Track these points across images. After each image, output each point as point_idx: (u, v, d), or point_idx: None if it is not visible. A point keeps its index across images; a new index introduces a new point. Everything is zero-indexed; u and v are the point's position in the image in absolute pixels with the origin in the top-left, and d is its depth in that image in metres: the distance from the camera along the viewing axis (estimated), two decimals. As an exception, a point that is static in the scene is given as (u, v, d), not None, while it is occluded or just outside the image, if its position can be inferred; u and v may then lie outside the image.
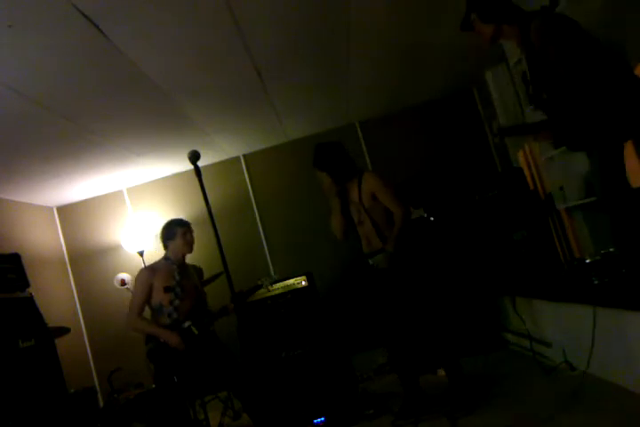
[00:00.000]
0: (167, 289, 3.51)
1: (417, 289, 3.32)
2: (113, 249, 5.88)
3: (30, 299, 3.65)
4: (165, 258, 3.67)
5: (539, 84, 2.69)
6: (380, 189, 3.29)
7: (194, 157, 2.49)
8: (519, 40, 2.70)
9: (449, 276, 4.45)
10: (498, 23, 2.68)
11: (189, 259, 3.78)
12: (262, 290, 3.89)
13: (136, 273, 3.70)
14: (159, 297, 3.52)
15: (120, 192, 6.00)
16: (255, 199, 5.92)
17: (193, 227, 3.78)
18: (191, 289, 3.63)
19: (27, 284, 3.71)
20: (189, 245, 3.69)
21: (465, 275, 4.47)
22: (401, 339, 3.37)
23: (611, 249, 3.13)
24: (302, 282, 3.98)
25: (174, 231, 3.66)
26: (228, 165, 5.98)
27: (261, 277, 3.85)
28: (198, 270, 3.94)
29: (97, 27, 2.76)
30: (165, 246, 3.69)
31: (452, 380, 3.29)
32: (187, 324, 3.47)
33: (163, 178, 5.99)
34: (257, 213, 5.89)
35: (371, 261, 3.31)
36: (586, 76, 2.39)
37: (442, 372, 4.06)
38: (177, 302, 3.50)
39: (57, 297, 5.50)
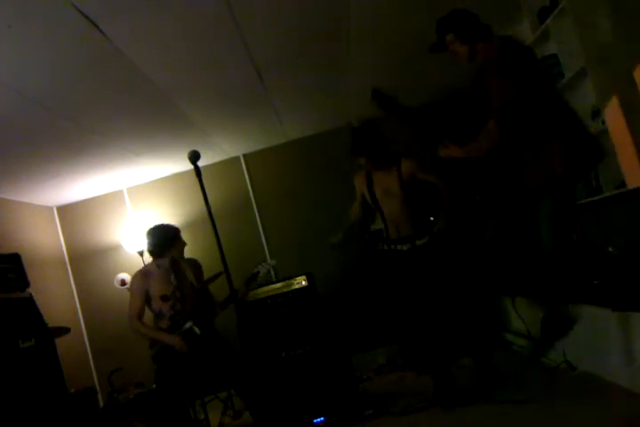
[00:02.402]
0: (164, 298, 3.48)
1: (456, 272, 3.43)
2: (113, 249, 5.87)
3: (30, 299, 3.65)
4: (157, 264, 3.62)
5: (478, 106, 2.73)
6: (420, 169, 3.52)
7: (194, 157, 2.49)
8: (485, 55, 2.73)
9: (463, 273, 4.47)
10: (474, 42, 2.73)
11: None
12: (262, 289, 3.89)
13: (131, 279, 3.67)
14: (158, 304, 3.51)
15: (120, 192, 6.00)
16: (255, 199, 5.92)
17: (193, 227, 3.77)
18: (189, 289, 3.62)
19: (27, 284, 3.71)
20: (181, 253, 3.69)
21: (465, 275, 4.46)
22: (427, 327, 3.41)
23: (610, 249, 3.13)
24: (302, 282, 3.98)
25: (171, 239, 3.62)
26: (228, 165, 5.98)
27: (258, 264, 3.84)
28: (193, 263, 3.89)
29: (97, 27, 2.76)
30: (158, 254, 3.61)
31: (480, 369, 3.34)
32: (188, 324, 3.47)
33: (163, 178, 5.98)
34: (257, 213, 5.89)
35: (403, 247, 3.43)
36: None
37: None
38: (178, 305, 3.50)
39: (57, 297, 5.50)
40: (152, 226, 3.69)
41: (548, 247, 2.64)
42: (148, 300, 3.52)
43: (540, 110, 2.54)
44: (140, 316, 3.51)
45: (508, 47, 2.67)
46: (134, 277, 3.63)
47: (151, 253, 3.64)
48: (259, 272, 3.80)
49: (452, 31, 2.76)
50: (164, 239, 3.60)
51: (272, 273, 4.29)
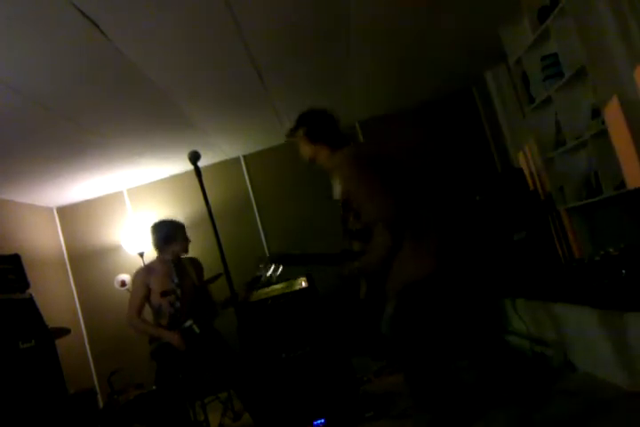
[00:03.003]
0: (164, 294, 3.50)
1: None
2: (113, 250, 5.87)
3: (30, 300, 3.65)
4: (161, 260, 3.65)
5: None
6: (352, 191, 3.13)
7: (194, 158, 2.48)
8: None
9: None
10: (320, 144, 2.64)
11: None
12: (262, 290, 3.89)
13: (134, 274, 3.70)
14: (158, 300, 3.52)
15: (120, 193, 6.00)
16: (255, 200, 5.92)
17: (193, 228, 3.78)
18: (190, 288, 3.63)
19: (27, 284, 3.70)
20: (183, 251, 3.69)
21: (465, 276, 4.46)
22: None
23: (610, 250, 3.13)
24: (302, 283, 3.97)
25: (175, 233, 3.65)
26: (228, 165, 5.98)
27: (260, 263, 3.83)
28: (195, 262, 3.90)
29: (97, 27, 2.76)
30: (162, 248, 3.65)
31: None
32: (188, 323, 3.47)
33: (163, 179, 5.98)
34: (257, 214, 5.89)
35: None
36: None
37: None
38: (177, 303, 3.50)
39: (57, 298, 5.50)
40: (157, 221, 3.72)
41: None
42: (148, 296, 3.54)
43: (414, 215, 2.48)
44: (140, 311, 3.53)
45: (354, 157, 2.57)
46: (137, 272, 3.66)
47: (155, 247, 3.67)
48: (261, 276, 3.79)
49: (303, 125, 2.74)
50: (167, 234, 3.64)
51: (274, 276, 4.26)
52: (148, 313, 3.66)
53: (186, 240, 3.70)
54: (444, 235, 2.51)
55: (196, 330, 3.47)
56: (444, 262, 2.45)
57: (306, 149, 2.72)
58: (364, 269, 2.54)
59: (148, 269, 3.64)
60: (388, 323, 2.55)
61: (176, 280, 3.55)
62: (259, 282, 3.75)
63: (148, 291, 3.54)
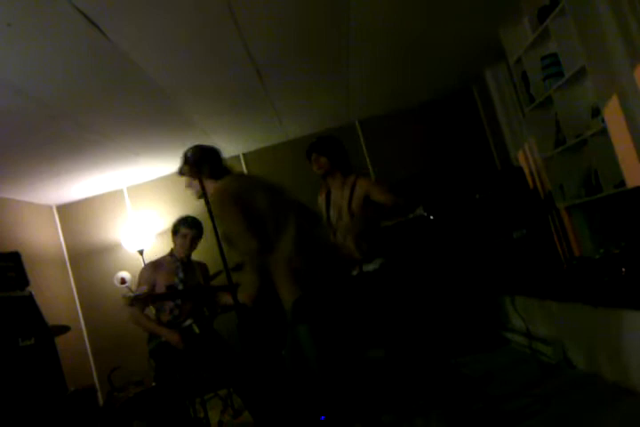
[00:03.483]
0: (169, 288, 3.52)
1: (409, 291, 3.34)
2: (113, 248, 5.88)
3: (30, 297, 3.65)
4: (170, 254, 3.69)
5: None
6: (374, 187, 3.29)
7: (194, 157, 2.49)
8: None
9: (447, 274, 4.45)
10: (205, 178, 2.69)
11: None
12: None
13: (136, 272, 3.72)
14: None
15: (120, 191, 6.00)
16: (255, 198, 5.91)
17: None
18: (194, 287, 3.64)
19: (26, 282, 3.71)
20: (184, 248, 3.69)
21: (465, 273, 4.47)
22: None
23: (610, 248, 3.14)
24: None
25: (178, 229, 3.68)
26: (228, 163, 5.97)
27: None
28: (202, 266, 3.92)
29: (97, 26, 2.76)
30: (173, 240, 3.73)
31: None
32: (188, 322, 3.47)
33: (163, 177, 5.98)
34: (257, 212, 5.88)
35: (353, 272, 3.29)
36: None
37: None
38: (179, 300, 3.51)
39: (57, 296, 5.50)
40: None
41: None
42: (153, 290, 3.55)
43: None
44: (143, 307, 3.54)
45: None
46: (144, 267, 3.71)
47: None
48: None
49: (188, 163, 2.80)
50: (172, 226, 3.75)
51: None
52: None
53: (183, 239, 3.69)
54: (312, 261, 2.56)
55: (196, 330, 3.47)
56: (309, 288, 2.52)
57: (193, 185, 2.79)
58: (245, 303, 2.61)
59: (155, 265, 3.68)
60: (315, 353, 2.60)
61: (181, 275, 3.58)
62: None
63: (154, 287, 3.55)
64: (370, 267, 3.27)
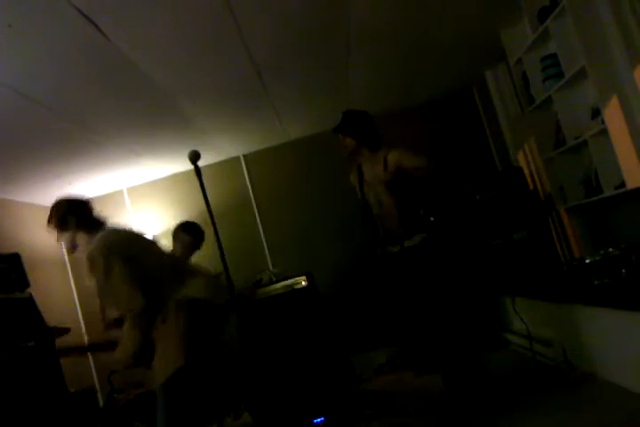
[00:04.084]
0: None
1: (449, 275, 3.30)
2: (113, 249, 5.86)
3: (30, 299, 3.65)
4: None
5: None
6: (403, 155, 3.22)
7: (194, 157, 2.49)
8: None
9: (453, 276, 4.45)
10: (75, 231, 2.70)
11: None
12: (262, 289, 3.89)
13: None
14: None
15: (120, 192, 6.00)
16: (255, 199, 5.92)
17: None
18: None
19: (27, 284, 3.70)
20: (182, 254, 3.68)
21: (465, 275, 4.46)
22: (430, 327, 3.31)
23: (610, 249, 3.13)
24: (302, 282, 3.97)
25: (177, 235, 3.66)
26: (228, 165, 5.98)
27: (261, 271, 3.84)
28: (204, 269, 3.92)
29: (97, 26, 2.76)
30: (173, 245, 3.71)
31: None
32: None
33: (163, 178, 5.98)
34: (257, 213, 5.89)
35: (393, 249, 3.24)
36: None
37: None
38: None
39: (57, 297, 5.50)
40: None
41: None
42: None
43: None
44: None
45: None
46: None
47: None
48: (261, 280, 3.80)
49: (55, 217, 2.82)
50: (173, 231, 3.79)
51: (274, 280, 4.28)
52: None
53: (180, 244, 3.68)
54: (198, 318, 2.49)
55: None
56: (195, 353, 2.45)
57: (64, 238, 2.76)
58: (120, 363, 2.53)
59: None
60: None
61: None
62: (260, 286, 3.78)
63: None
64: (411, 243, 3.23)
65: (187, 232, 3.66)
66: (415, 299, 3.26)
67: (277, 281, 4.03)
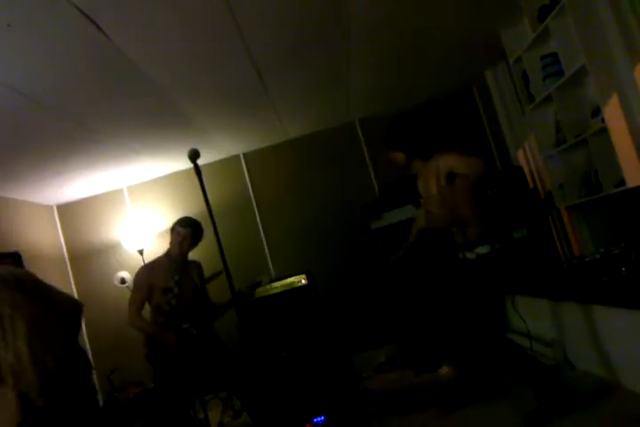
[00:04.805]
0: (165, 291, 3.50)
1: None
2: (113, 247, 5.88)
3: (30, 298, 3.65)
4: (166, 254, 3.66)
5: None
6: (457, 161, 2.85)
7: (194, 156, 2.48)
8: None
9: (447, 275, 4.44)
10: None
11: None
12: (262, 288, 3.89)
13: (136, 271, 3.70)
14: (158, 297, 3.52)
15: (120, 190, 6.00)
16: (255, 198, 5.92)
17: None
18: (190, 289, 3.62)
19: (27, 282, 3.70)
20: (178, 247, 3.66)
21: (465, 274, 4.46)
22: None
23: (611, 248, 3.14)
24: (302, 281, 3.98)
25: (174, 228, 3.66)
26: (228, 163, 5.98)
27: (260, 272, 3.84)
28: (198, 266, 3.90)
29: (97, 26, 2.76)
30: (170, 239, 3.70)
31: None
32: (185, 326, 3.47)
33: (163, 176, 5.98)
34: (257, 213, 5.89)
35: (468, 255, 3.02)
36: None
37: (444, 370, 4.07)
38: (174, 301, 3.50)
39: (57, 296, 5.50)
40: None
41: None
42: (150, 293, 3.53)
43: None
44: (139, 310, 3.52)
45: None
46: (140, 270, 3.66)
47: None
48: (260, 282, 3.79)
49: None
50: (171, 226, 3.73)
51: (272, 285, 4.30)
52: (146, 312, 3.66)
53: (177, 237, 3.67)
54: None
55: (193, 331, 3.47)
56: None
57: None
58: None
59: (150, 268, 3.63)
60: None
61: (176, 278, 3.55)
62: (259, 287, 3.76)
63: (151, 290, 3.54)
64: (473, 254, 3.00)
65: (182, 225, 3.64)
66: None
67: (278, 279, 4.03)
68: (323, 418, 3.65)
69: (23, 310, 2.31)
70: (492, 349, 2.97)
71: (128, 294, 3.69)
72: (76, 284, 5.90)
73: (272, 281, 3.97)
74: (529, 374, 2.78)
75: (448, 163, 2.87)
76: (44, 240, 5.62)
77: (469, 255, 2.98)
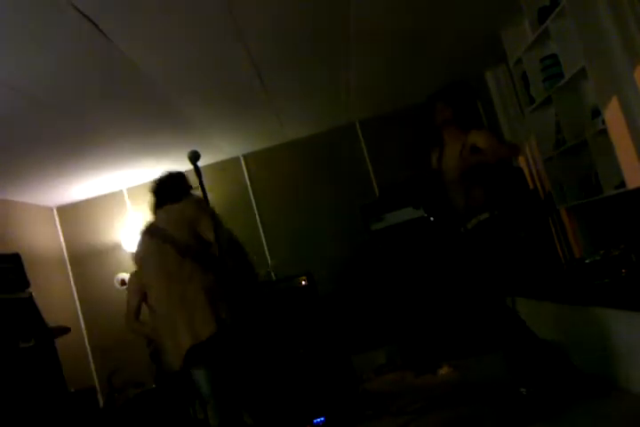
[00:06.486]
0: None
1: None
2: (113, 249, 5.87)
3: (30, 299, 3.65)
4: None
5: None
6: (481, 136, 2.98)
7: (194, 157, 2.49)
8: None
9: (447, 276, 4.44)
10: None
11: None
12: (262, 289, 3.89)
13: (129, 278, 3.69)
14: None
15: (120, 192, 6.00)
16: (255, 199, 5.92)
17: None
18: None
19: (27, 284, 3.71)
20: None
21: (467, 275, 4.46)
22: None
23: (610, 249, 3.14)
24: (302, 281, 3.98)
25: None
26: (228, 165, 5.98)
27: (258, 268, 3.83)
28: None
29: (97, 26, 2.76)
30: None
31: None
32: None
33: (163, 178, 5.98)
34: (257, 213, 5.89)
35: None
36: None
37: (442, 371, 4.07)
38: None
39: (57, 297, 5.50)
40: None
41: None
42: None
43: None
44: (137, 314, 3.52)
45: None
46: (132, 276, 3.65)
47: None
48: (257, 274, 3.79)
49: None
50: None
51: (272, 274, 4.29)
52: (145, 313, 3.65)
53: None
54: None
55: None
56: None
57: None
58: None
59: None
60: None
61: None
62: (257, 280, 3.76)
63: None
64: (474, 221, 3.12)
65: None
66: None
67: (277, 281, 4.03)
68: (323, 419, 3.65)
69: None
70: (494, 318, 3.04)
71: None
72: (76, 285, 5.89)
73: (270, 278, 3.96)
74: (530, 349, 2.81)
75: (474, 136, 3.01)
76: (44, 242, 5.62)
77: (469, 225, 3.11)
